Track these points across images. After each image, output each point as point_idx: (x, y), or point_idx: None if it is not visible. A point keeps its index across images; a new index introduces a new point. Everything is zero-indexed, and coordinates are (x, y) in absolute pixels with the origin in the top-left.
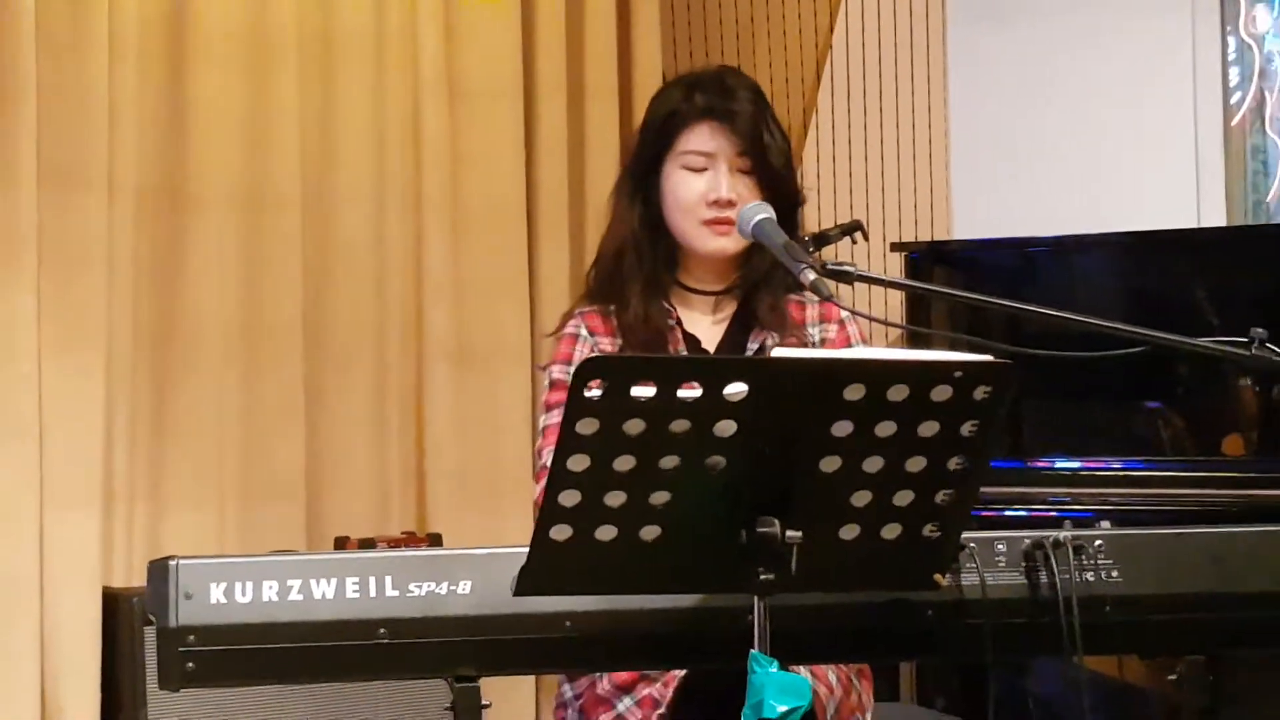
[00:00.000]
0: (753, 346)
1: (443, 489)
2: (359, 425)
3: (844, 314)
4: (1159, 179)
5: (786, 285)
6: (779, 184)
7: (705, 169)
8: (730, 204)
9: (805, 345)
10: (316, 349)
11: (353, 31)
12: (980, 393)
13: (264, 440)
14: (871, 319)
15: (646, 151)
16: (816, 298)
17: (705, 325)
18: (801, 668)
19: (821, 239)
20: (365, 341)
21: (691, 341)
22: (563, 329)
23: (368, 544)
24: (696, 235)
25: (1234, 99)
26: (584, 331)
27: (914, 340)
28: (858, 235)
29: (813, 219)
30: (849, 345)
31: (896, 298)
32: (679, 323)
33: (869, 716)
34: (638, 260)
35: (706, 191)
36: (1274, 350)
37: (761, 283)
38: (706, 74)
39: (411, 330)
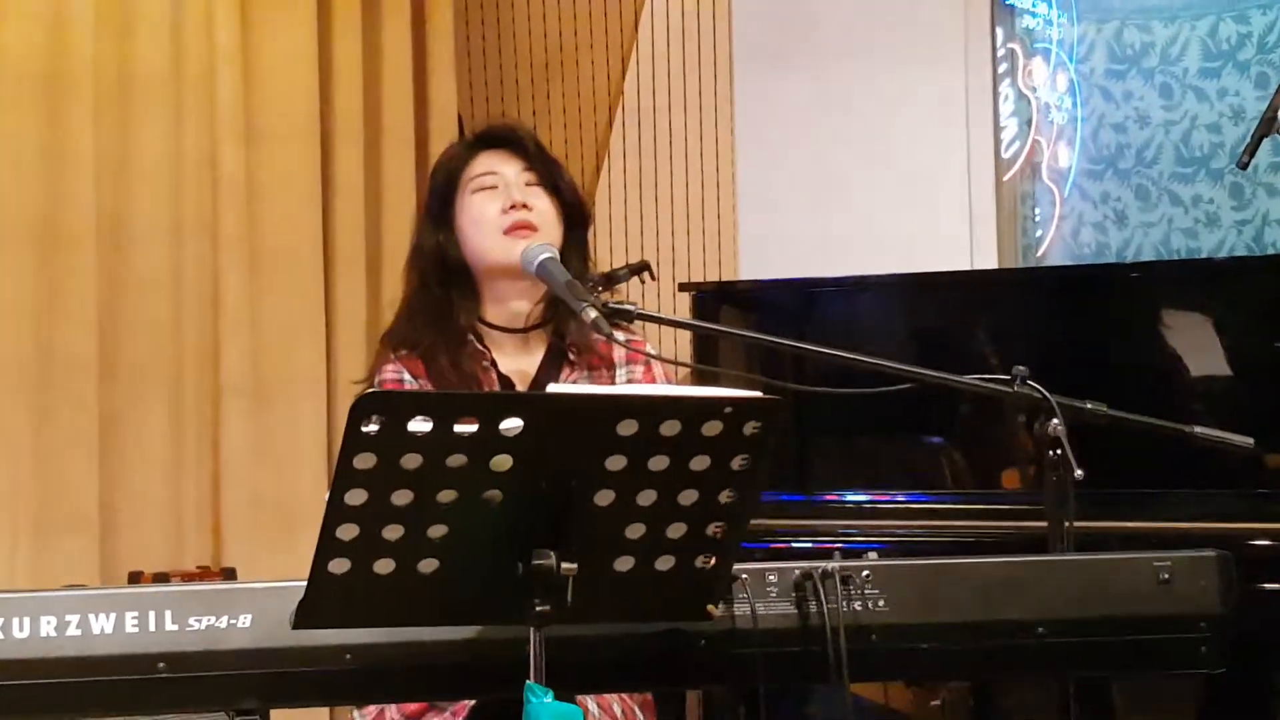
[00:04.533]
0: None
1: (238, 523)
2: (155, 459)
3: (648, 354)
4: (935, 223)
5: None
6: (568, 197)
7: (495, 186)
8: (526, 207)
9: (613, 384)
10: (110, 383)
11: (151, 71)
12: (750, 428)
13: (58, 473)
14: (660, 359)
15: (435, 198)
16: (622, 336)
17: (520, 364)
18: (587, 698)
19: (611, 278)
20: (160, 375)
21: (506, 382)
22: (379, 375)
23: (162, 578)
24: (500, 248)
25: (1011, 148)
26: (406, 377)
27: (702, 379)
28: (646, 276)
29: (604, 260)
30: (654, 384)
31: (685, 337)
32: (494, 364)
33: None
34: (436, 309)
35: (502, 203)
36: (1034, 387)
37: (568, 315)
38: (484, 126)
39: (208, 364)
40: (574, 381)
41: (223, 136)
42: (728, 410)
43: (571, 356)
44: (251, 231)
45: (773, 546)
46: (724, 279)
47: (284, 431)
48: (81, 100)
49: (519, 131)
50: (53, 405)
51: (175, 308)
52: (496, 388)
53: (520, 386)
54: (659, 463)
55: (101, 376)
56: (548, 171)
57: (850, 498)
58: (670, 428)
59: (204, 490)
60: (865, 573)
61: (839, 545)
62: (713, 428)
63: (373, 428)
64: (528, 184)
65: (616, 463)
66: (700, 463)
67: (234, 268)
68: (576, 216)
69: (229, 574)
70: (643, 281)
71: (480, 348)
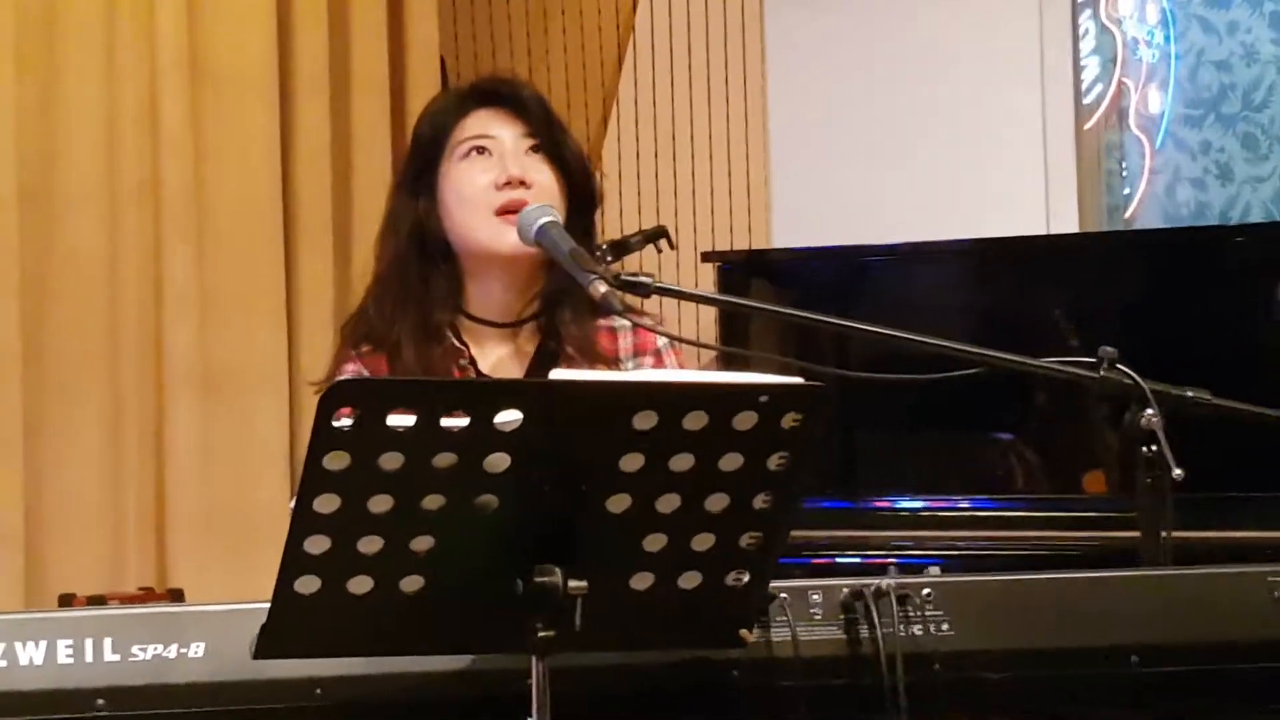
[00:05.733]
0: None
1: (186, 536)
2: (88, 462)
3: (661, 342)
4: (1005, 181)
5: (593, 309)
6: (575, 172)
7: (489, 152)
8: (524, 184)
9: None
10: (37, 374)
11: (78, 6)
12: (789, 420)
13: None
14: (683, 341)
15: (416, 159)
16: (629, 324)
17: (503, 362)
18: None
19: (621, 247)
20: (95, 365)
21: None
22: (338, 375)
23: (98, 602)
24: (488, 231)
25: (1093, 92)
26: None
27: (730, 364)
28: (663, 243)
29: (613, 225)
30: (674, 370)
31: (709, 315)
32: (473, 362)
33: None
34: (407, 294)
35: (495, 176)
36: (1124, 372)
37: (564, 304)
38: (480, 77)
39: (149, 351)
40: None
41: (164, 82)
42: (763, 399)
43: (569, 352)
44: (199, 195)
45: (814, 561)
46: (754, 247)
47: (239, 429)
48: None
49: (520, 88)
50: None
51: (110, 284)
52: None
53: None
54: (682, 462)
55: (25, 366)
56: (552, 138)
57: (904, 504)
58: (696, 420)
59: (146, 498)
60: (926, 590)
61: (892, 560)
62: (746, 420)
63: (346, 422)
64: (528, 151)
65: (633, 462)
66: (731, 462)
67: (178, 238)
68: (583, 195)
69: (176, 596)
70: (659, 250)
71: (457, 343)
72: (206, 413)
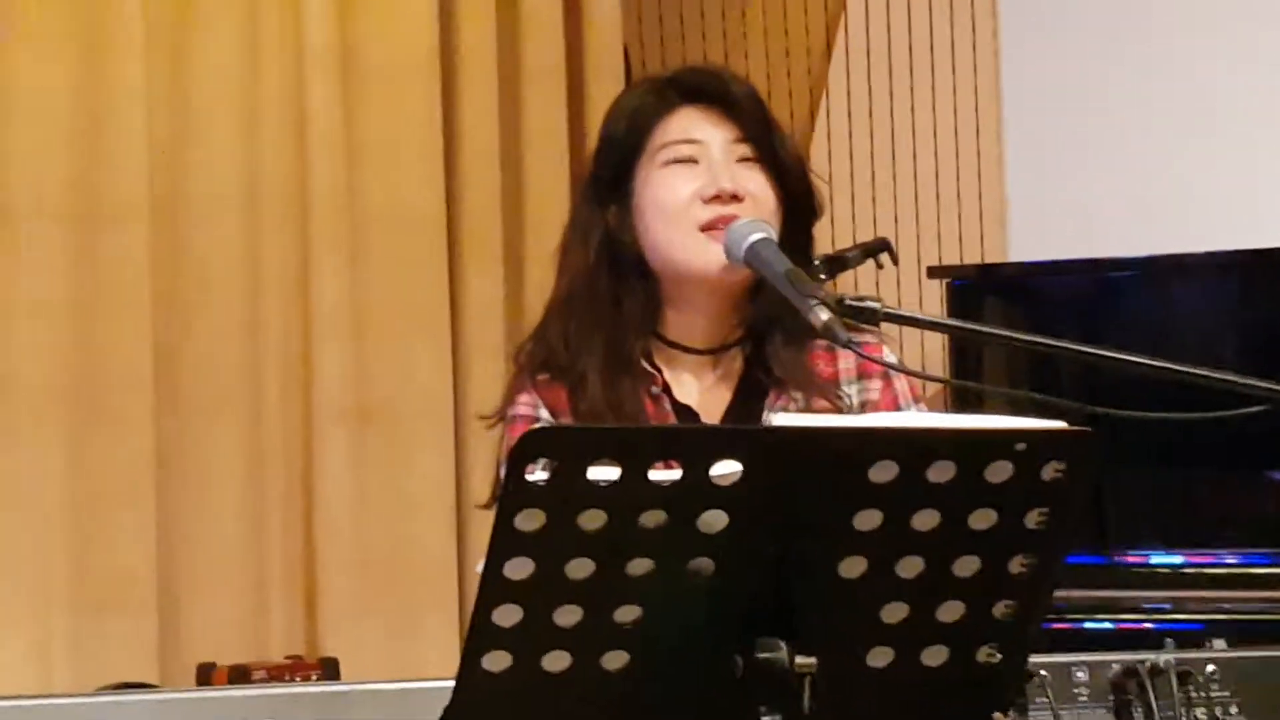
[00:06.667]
0: (769, 417)
1: (340, 595)
2: (227, 508)
3: (893, 365)
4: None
5: (809, 332)
6: (793, 181)
7: (695, 160)
8: (736, 198)
9: (838, 410)
10: (170, 407)
11: None
12: (1051, 471)
13: (100, 529)
14: (914, 374)
15: (608, 162)
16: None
17: (703, 391)
18: None
19: (838, 263)
20: (234, 397)
21: (685, 415)
22: (510, 408)
23: (240, 673)
24: (692, 249)
25: None
26: (543, 413)
27: (961, 400)
28: (884, 258)
29: (822, 236)
30: (896, 409)
31: (936, 339)
32: (666, 390)
33: None
34: (595, 316)
35: (701, 187)
36: None
37: (774, 329)
38: (683, 67)
39: (295, 381)
40: (788, 410)
41: (311, 74)
42: (1020, 448)
43: (778, 376)
44: (350, 202)
45: (1055, 627)
46: (987, 261)
47: (398, 470)
48: (126, 31)
49: (731, 83)
50: (94, 438)
51: (251, 304)
52: (671, 421)
53: (707, 419)
54: (927, 520)
55: (157, 397)
56: (768, 143)
57: (1161, 559)
58: (942, 472)
59: (292, 550)
60: (1210, 668)
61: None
62: (1000, 471)
63: (541, 476)
64: (740, 160)
65: (869, 520)
66: (983, 519)
67: (327, 250)
68: (801, 206)
69: (330, 667)
70: (879, 266)
71: (649, 368)
72: (361, 452)
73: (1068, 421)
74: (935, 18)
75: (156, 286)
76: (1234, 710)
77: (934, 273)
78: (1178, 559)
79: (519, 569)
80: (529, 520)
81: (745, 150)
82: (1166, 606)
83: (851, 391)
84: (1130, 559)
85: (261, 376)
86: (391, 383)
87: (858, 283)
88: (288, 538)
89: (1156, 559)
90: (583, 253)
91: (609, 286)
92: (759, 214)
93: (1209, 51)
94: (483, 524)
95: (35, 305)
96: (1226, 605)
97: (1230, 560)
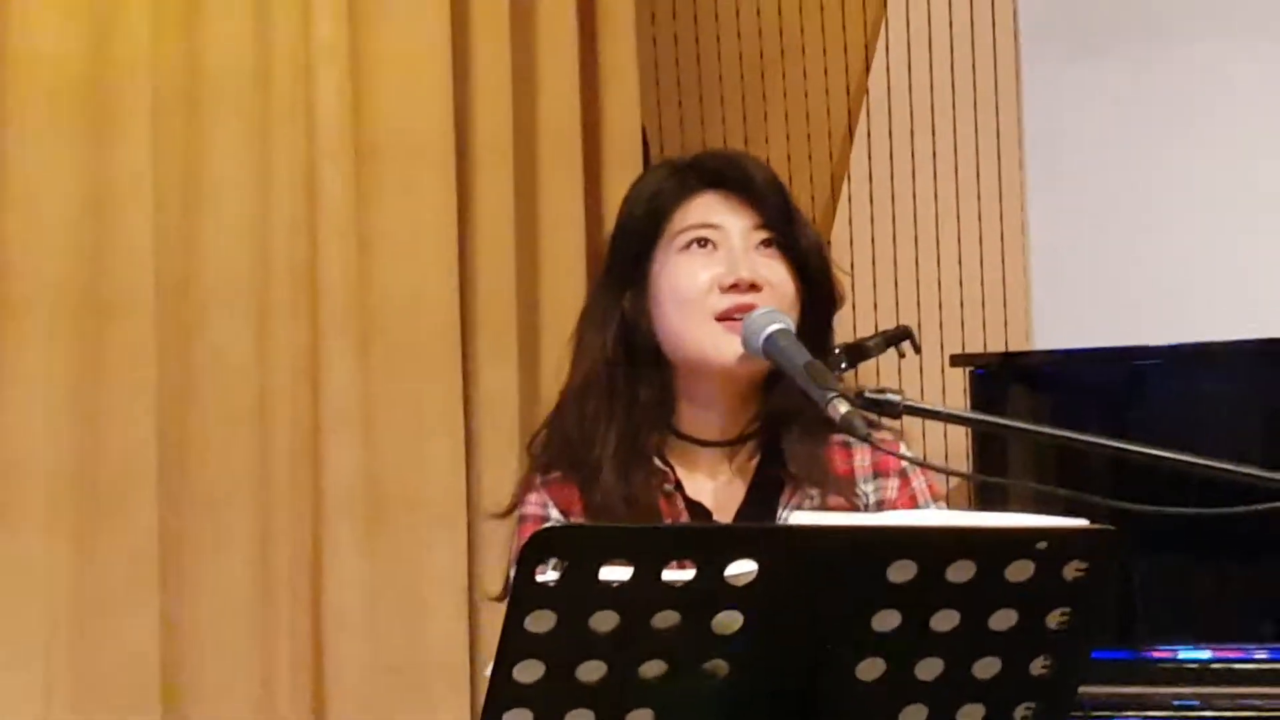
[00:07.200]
0: (785, 515)
1: (348, 697)
2: (232, 607)
3: (905, 462)
4: None
5: (826, 425)
6: (813, 269)
7: (713, 246)
8: (754, 287)
9: (854, 508)
10: (173, 500)
11: (224, 71)
12: (1073, 571)
13: (103, 625)
14: (933, 468)
15: (625, 246)
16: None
17: (717, 487)
18: None
19: (858, 352)
20: (241, 490)
21: (698, 512)
22: (520, 507)
23: None
24: (708, 339)
25: None
26: (553, 513)
27: (984, 496)
28: (906, 346)
29: (843, 322)
30: (915, 506)
31: (959, 431)
32: (679, 487)
33: None
34: (610, 407)
35: (719, 275)
36: None
37: (791, 422)
38: (704, 152)
39: (304, 474)
40: (804, 507)
41: (321, 157)
42: (1041, 546)
43: (793, 472)
44: (362, 289)
45: None
46: (1011, 349)
47: (410, 568)
48: (132, 113)
49: (753, 168)
50: (97, 532)
51: (259, 394)
52: (684, 519)
53: (720, 517)
54: (946, 620)
55: (160, 490)
56: (789, 230)
57: (1189, 654)
58: (961, 571)
59: (300, 650)
60: None
61: None
62: (1020, 571)
63: (551, 576)
64: (759, 246)
65: (887, 620)
66: (1003, 620)
67: (337, 338)
68: (820, 295)
69: None
70: (901, 355)
71: (662, 464)
72: (371, 548)
73: (1094, 517)
74: (959, 100)
75: (161, 376)
76: None
77: (956, 361)
78: (1206, 654)
79: (529, 672)
80: (539, 622)
81: (764, 236)
82: (1195, 703)
83: (868, 489)
84: (1158, 654)
85: (270, 468)
86: (403, 476)
87: (879, 371)
88: (295, 637)
89: (1185, 654)
90: (598, 340)
91: (624, 376)
92: (778, 303)
93: (1236, 138)
94: (496, 619)
95: (40, 395)
96: (1256, 701)
97: (1260, 655)
